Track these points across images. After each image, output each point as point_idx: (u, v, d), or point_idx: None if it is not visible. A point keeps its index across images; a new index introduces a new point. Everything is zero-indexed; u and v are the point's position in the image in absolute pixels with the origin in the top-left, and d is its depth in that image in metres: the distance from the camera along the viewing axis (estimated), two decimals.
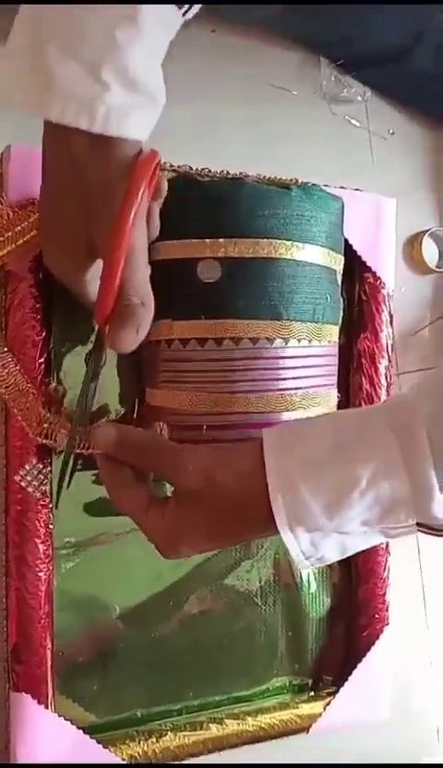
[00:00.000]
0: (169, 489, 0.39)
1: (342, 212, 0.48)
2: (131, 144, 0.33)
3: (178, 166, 0.48)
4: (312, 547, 0.35)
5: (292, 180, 0.52)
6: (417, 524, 0.35)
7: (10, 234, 0.42)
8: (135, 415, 0.48)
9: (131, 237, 0.33)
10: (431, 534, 0.35)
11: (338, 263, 0.47)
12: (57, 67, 0.29)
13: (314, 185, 0.47)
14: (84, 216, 0.34)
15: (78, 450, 0.42)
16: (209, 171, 0.50)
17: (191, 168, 0.49)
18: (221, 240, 0.42)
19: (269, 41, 0.57)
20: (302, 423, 0.39)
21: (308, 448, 0.35)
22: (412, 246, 0.62)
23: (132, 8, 0.30)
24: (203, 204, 0.42)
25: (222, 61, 0.55)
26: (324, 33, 0.58)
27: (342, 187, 0.54)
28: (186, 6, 0.33)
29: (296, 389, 0.44)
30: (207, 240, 0.42)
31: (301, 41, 0.58)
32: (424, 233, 0.62)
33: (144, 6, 0.30)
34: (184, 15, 0.33)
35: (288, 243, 0.42)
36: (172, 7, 0.32)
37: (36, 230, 0.42)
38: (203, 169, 0.49)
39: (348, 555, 0.37)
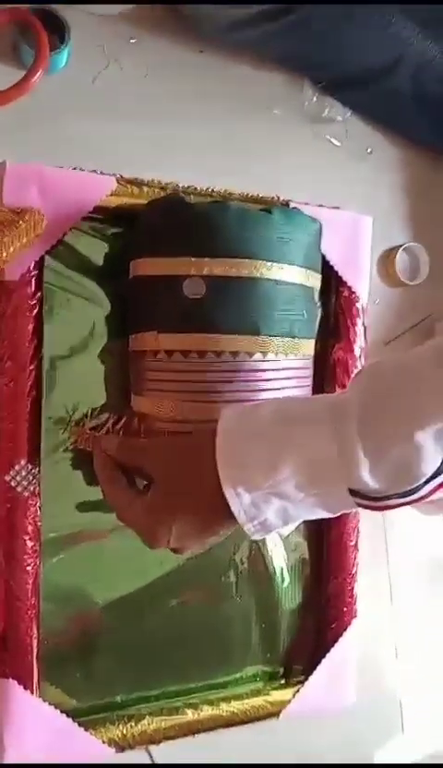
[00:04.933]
0: None
1: (320, 233, 0.51)
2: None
3: (166, 183, 0.51)
4: (253, 508, 0.38)
5: (273, 197, 0.55)
6: (352, 493, 0.37)
7: (8, 237, 0.44)
8: (121, 421, 0.51)
9: None
10: (366, 505, 0.37)
11: (315, 281, 0.50)
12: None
13: (294, 207, 0.49)
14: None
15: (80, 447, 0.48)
16: (196, 188, 0.52)
17: (178, 186, 0.51)
18: (206, 259, 0.44)
19: (256, 62, 0.59)
20: (256, 404, 0.42)
21: (254, 418, 0.39)
22: (386, 260, 0.65)
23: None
24: (190, 225, 0.45)
25: (209, 81, 0.57)
26: (308, 55, 0.60)
27: (321, 205, 0.57)
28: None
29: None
30: (193, 259, 0.44)
31: (286, 62, 0.60)
32: (398, 247, 0.65)
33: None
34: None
35: (268, 263, 0.45)
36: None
37: (34, 234, 0.44)
38: (189, 186, 0.52)
39: (292, 523, 0.40)
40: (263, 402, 0.43)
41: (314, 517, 0.39)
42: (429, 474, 0.35)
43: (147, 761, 0.56)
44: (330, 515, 0.39)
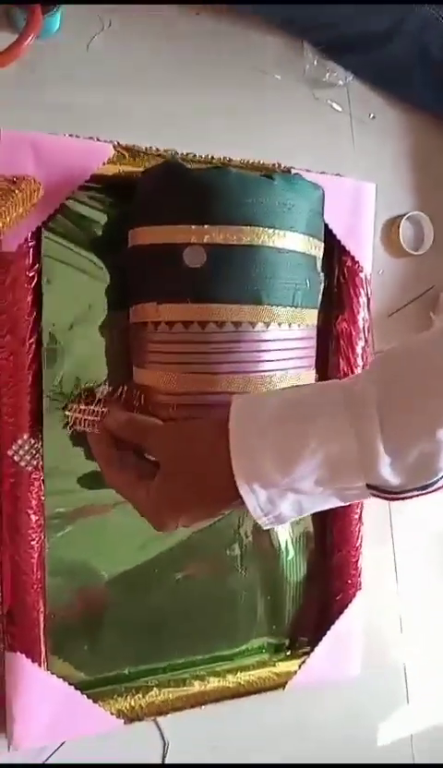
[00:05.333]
0: None
1: (323, 200, 0.50)
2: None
3: (164, 150, 0.50)
4: (269, 504, 0.37)
5: (274, 164, 0.54)
6: (369, 486, 0.37)
7: (5, 207, 0.43)
8: (122, 393, 0.50)
9: None
10: (383, 497, 0.37)
11: (318, 249, 0.49)
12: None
13: (295, 174, 0.48)
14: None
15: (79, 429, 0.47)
16: (195, 155, 0.51)
17: (177, 152, 0.50)
18: (206, 227, 0.43)
19: (253, 25, 0.57)
20: (266, 393, 0.42)
21: (268, 411, 0.37)
22: (390, 229, 0.64)
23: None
24: (190, 192, 0.44)
25: (206, 45, 0.55)
26: (308, 18, 0.58)
27: (323, 172, 0.55)
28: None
29: (276, 370, 0.46)
30: (193, 227, 0.43)
31: (285, 25, 0.58)
32: (402, 216, 0.64)
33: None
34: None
35: (270, 230, 0.44)
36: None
37: (30, 203, 0.43)
38: (188, 154, 0.51)
39: (305, 514, 0.39)
40: (273, 391, 0.43)
41: (327, 507, 0.39)
42: None
43: (156, 734, 0.57)
44: (343, 504, 0.39)
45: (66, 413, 0.48)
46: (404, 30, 0.60)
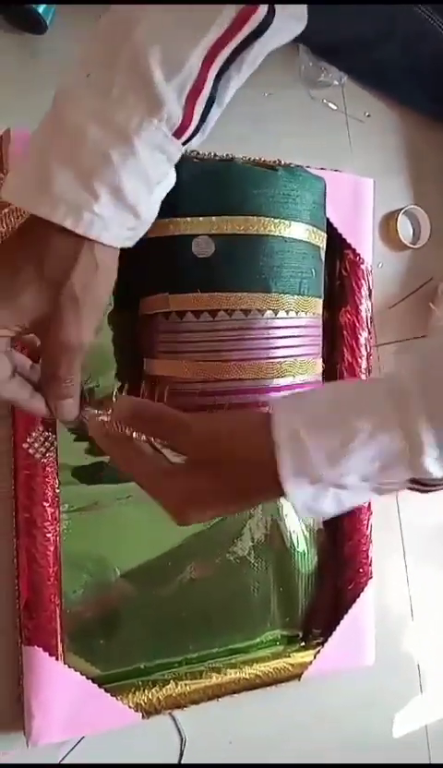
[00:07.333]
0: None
1: (325, 192, 0.51)
2: (106, 251, 0.36)
3: None
4: (312, 500, 0.37)
5: (275, 161, 0.55)
6: (411, 480, 0.36)
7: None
8: (131, 385, 0.51)
9: None
10: (420, 489, 0.37)
11: (321, 240, 0.51)
12: (55, 175, 0.33)
13: (298, 166, 0.49)
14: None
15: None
16: (198, 153, 0.52)
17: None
18: (214, 218, 0.44)
19: None
20: (306, 390, 0.41)
21: (312, 408, 0.37)
22: (388, 223, 0.66)
23: (128, 132, 0.34)
24: (197, 184, 0.45)
25: None
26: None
27: (322, 168, 0.57)
28: (186, 135, 0.37)
29: (285, 357, 0.47)
30: (201, 218, 0.44)
31: None
32: (399, 211, 0.65)
33: (141, 132, 0.34)
34: (184, 143, 0.37)
35: (276, 220, 0.45)
36: (168, 136, 0.35)
37: None
38: (192, 152, 0.52)
39: (345, 510, 0.38)
40: (315, 389, 0.42)
41: (363, 501, 0.38)
42: None
43: (173, 729, 0.57)
44: (378, 497, 0.39)
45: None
46: (396, 33, 0.62)
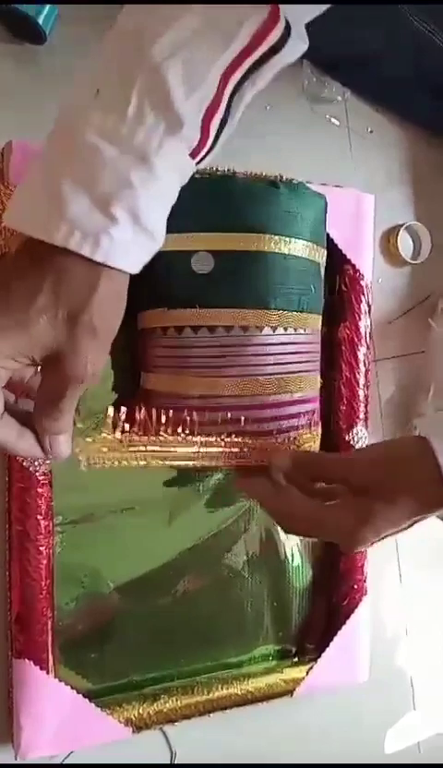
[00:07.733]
0: None
1: (325, 209, 0.51)
2: (121, 277, 0.34)
3: None
4: None
5: (277, 176, 0.55)
6: None
7: None
8: (126, 399, 0.51)
9: None
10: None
11: (321, 256, 0.51)
12: (70, 200, 0.31)
13: (300, 183, 0.49)
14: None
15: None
16: (198, 168, 0.52)
17: None
18: (214, 234, 0.44)
19: None
20: None
21: None
22: (388, 239, 0.66)
23: (148, 153, 0.32)
24: (198, 199, 0.44)
25: None
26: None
27: (324, 184, 0.57)
28: (201, 155, 0.36)
29: (283, 373, 0.47)
30: (201, 234, 0.44)
31: None
32: (400, 226, 0.65)
33: (160, 152, 0.32)
34: (197, 163, 0.36)
35: (276, 237, 0.45)
36: (185, 156, 0.35)
37: None
38: None
39: None
40: None
41: None
42: None
43: (163, 744, 0.56)
44: None
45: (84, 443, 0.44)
46: (399, 48, 0.62)
